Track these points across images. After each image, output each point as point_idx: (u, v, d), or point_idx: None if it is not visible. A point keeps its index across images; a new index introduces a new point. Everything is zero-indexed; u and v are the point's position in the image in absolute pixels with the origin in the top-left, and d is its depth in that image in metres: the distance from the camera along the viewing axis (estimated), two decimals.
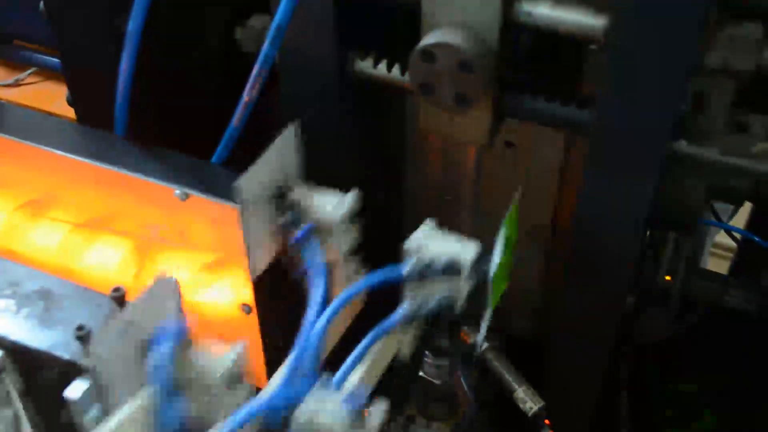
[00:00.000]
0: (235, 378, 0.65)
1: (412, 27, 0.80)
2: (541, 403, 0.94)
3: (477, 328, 0.98)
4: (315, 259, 0.74)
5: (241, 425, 0.62)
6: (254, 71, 0.79)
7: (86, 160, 0.84)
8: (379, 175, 1.03)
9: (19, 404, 0.68)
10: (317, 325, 0.70)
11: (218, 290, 0.87)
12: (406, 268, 0.73)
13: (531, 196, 1.02)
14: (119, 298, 0.66)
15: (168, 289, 0.64)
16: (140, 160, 0.84)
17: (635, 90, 0.74)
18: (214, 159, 0.86)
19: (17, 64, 1.61)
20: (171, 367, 0.59)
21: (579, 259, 0.90)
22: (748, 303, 1.04)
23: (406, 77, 0.84)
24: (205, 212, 0.81)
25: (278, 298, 0.89)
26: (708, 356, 1.19)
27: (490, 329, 0.96)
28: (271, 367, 0.90)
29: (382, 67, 0.87)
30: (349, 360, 0.71)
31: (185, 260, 0.86)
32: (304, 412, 0.64)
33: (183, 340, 0.61)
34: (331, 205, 0.76)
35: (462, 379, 0.96)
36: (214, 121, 0.88)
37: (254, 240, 0.75)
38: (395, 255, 1.03)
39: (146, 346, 0.62)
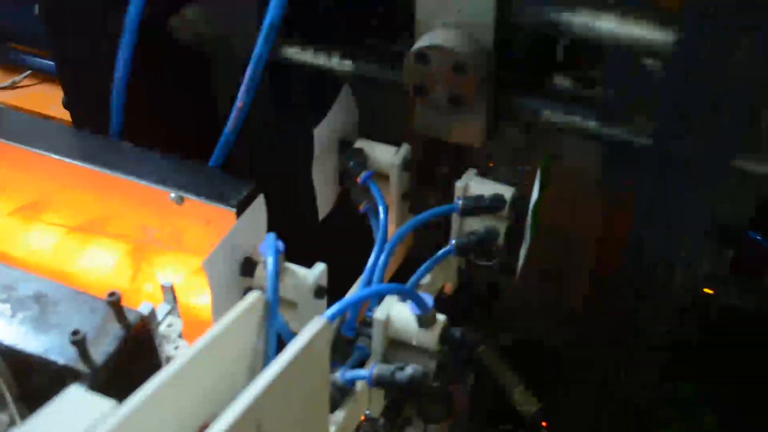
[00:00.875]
0: (321, 291, 0.72)
1: (347, 13, 0.80)
2: (539, 405, 0.94)
3: (474, 329, 0.99)
4: (377, 198, 0.85)
5: (333, 319, 0.69)
6: (247, 74, 0.79)
7: (81, 164, 0.84)
8: None
9: (14, 409, 0.68)
10: (383, 251, 0.82)
11: None
12: (457, 204, 0.84)
13: (577, 207, 1.02)
14: (115, 303, 0.65)
15: (260, 209, 0.72)
16: (135, 164, 0.84)
17: (698, 107, 0.73)
18: (218, 147, 0.86)
19: (13, 66, 1.61)
20: (277, 277, 0.63)
21: (632, 271, 0.88)
22: (746, 301, 1.04)
23: (334, 62, 0.87)
24: (201, 215, 0.81)
25: None
26: (707, 355, 1.19)
27: (488, 333, 0.96)
28: None
29: (308, 53, 0.87)
30: (412, 279, 0.82)
31: (181, 263, 0.86)
32: (381, 311, 0.73)
33: (282, 254, 0.67)
34: (390, 154, 0.87)
35: (459, 380, 0.96)
36: (210, 122, 0.88)
37: (323, 182, 0.86)
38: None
39: (248, 263, 0.71)
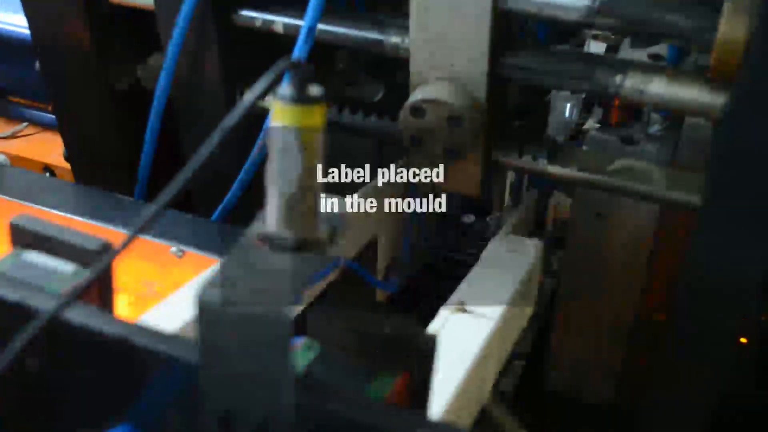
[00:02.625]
0: None
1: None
2: None
3: None
4: None
5: None
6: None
7: (82, 219, 0.85)
8: None
9: None
10: None
11: None
12: None
13: (621, 266, 1.02)
14: None
15: None
16: (136, 218, 0.85)
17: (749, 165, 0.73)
18: (224, 203, 0.88)
19: (14, 120, 1.62)
20: None
21: (685, 330, 0.87)
22: None
23: None
24: (202, 269, 0.82)
25: None
26: None
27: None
28: None
29: (270, 98, 0.89)
30: None
31: None
32: None
33: None
34: None
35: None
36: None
37: None
38: None
39: None
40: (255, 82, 0.89)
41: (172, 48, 0.86)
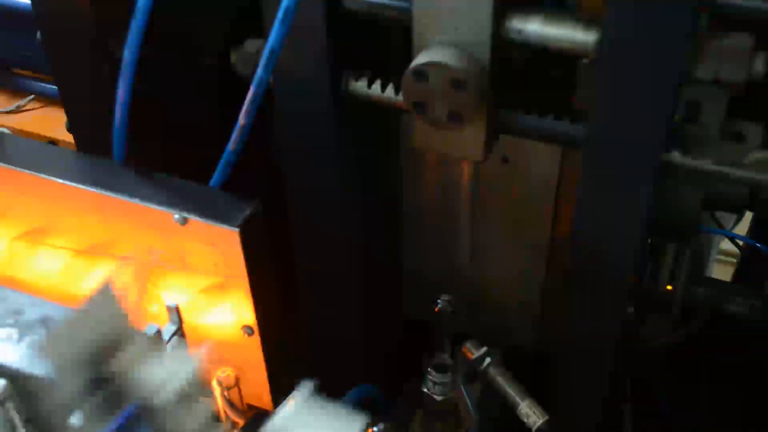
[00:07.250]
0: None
1: (406, 45, 0.80)
2: (546, 417, 0.94)
3: (479, 344, 0.99)
4: None
5: None
6: (249, 95, 0.79)
7: (85, 187, 0.85)
8: (377, 194, 1.03)
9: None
10: None
11: (220, 313, 0.88)
12: None
13: (528, 209, 1.03)
14: None
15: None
16: (139, 186, 0.85)
17: (626, 103, 0.75)
18: (211, 183, 0.86)
19: (17, 92, 1.63)
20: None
21: (578, 271, 0.90)
22: (749, 310, 1.04)
23: (401, 97, 0.84)
24: (205, 236, 0.82)
25: (280, 319, 0.89)
26: (711, 364, 1.19)
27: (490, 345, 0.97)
28: (274, 387, 0.91)
29: (377, 87, 0.87)
30: None
31: (186, 284, 0.87)
32: None
33: None
34: (162, 377, 0.62)
35: (465, 394, 0.96)
36: (214, 145, 0.89)
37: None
38: (396, 276, 1.04)
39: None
40: (361, 69, 0.88)
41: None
